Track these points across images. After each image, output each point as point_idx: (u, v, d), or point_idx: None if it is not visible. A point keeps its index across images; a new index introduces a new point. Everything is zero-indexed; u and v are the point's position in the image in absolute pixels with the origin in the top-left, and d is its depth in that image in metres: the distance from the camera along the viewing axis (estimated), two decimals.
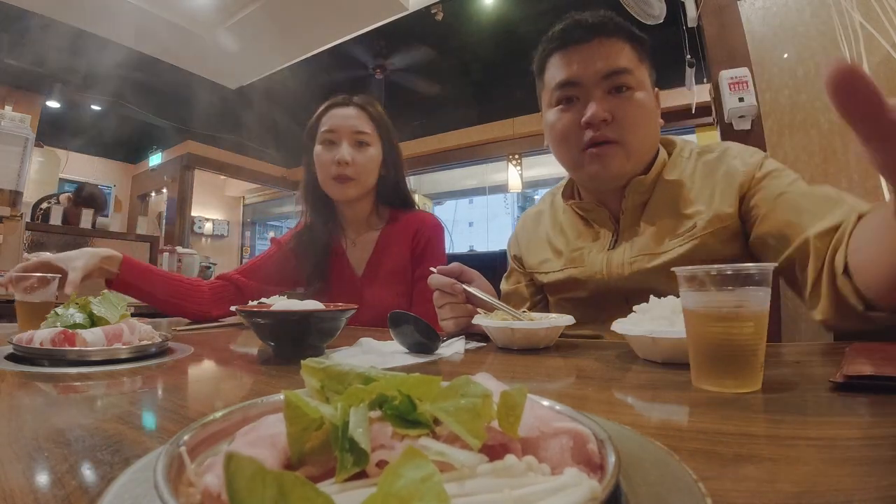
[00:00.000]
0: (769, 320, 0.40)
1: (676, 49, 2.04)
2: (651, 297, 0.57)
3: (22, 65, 3.54)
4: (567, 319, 0.66)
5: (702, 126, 3.22)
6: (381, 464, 0.17)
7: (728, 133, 1.77)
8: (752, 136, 1.71)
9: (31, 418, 0.36)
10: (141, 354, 0.60)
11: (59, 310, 0.66)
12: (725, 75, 1.71)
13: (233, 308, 0.66)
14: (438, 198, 6.99)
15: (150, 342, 0.64)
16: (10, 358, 0.58)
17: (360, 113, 1.16)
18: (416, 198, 3.35)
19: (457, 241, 7.20)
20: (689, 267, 0.41)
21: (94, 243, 2.93)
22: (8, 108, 3.59)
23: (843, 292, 0.55)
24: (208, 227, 6.48)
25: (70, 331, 0.60)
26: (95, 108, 4.58)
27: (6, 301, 1.21)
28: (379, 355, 0.64)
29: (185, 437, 0.20)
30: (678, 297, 0.45)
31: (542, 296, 0.98)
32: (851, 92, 0.26)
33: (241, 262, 6.95)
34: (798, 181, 0.73)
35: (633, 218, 0.83)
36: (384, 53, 4.01)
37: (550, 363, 0.57)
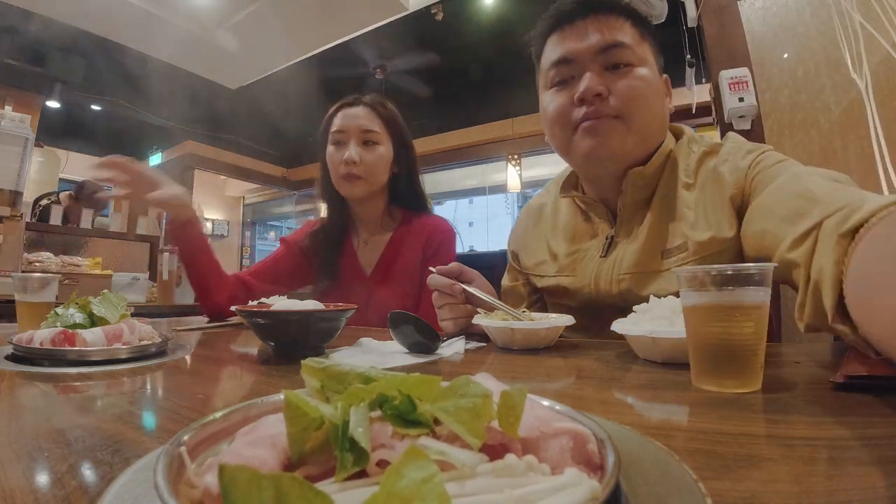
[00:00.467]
0: (769, 320, 0.40)
1: (676, 49, 2.04)
2: (651, 297, 0.57)
3: (22, 65, 3.54)
4: (567, 319, 0.66)
5: (702, 126, 3.23)
6: (382, 463, 0.17)
7: None
8: (752, 136, 1.70)
9: (32, 418, 0.36)
10: (141, 354, 0.60)
11: (59, 310, 0.66)
12: (725, 75, 1.71)
13: (233, 308, 0.66)
14: (438, 198, 6.98)
15: (149, 342, 0.64)
16: (10, 358, 0.58)
17: (369, 112, 1.16)
18: None
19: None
20: (690, 267, 0.41)
21: (94, 243, 2.93)
22: (8, 108, 3.59)
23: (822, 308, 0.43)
24: (208, 226, 6.49)
25: (70, 331, 0.59)
26: (95, 108, 4.59)
27: (6, 301, 1.21)
28: (379, 355, 0.64)
29: (185, 437, 0.20)
30: (678, 296, 0.45)
31: (538, 296, 0.95)
32: None
33: (241, 262, 6.97)
34: (784, 173, 0.64)
35: (631, 216, 0.79)
36: (384, 54, 4.01)
37: (550, 363, 0.57)
